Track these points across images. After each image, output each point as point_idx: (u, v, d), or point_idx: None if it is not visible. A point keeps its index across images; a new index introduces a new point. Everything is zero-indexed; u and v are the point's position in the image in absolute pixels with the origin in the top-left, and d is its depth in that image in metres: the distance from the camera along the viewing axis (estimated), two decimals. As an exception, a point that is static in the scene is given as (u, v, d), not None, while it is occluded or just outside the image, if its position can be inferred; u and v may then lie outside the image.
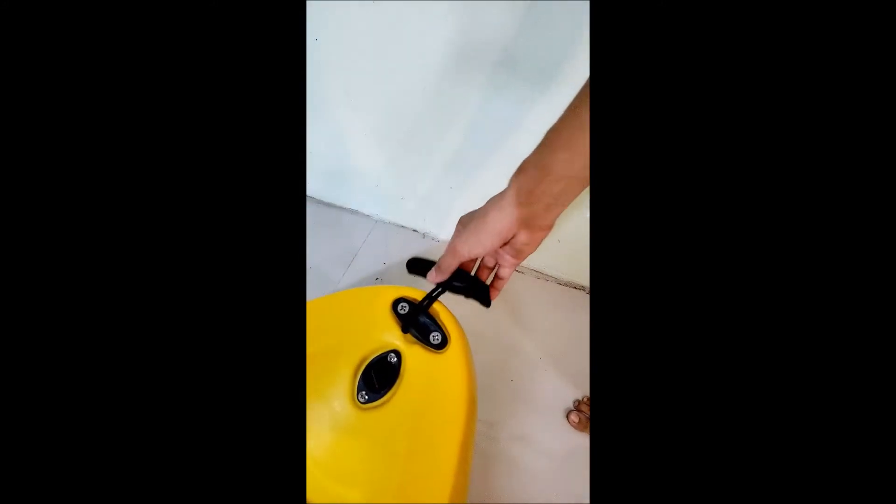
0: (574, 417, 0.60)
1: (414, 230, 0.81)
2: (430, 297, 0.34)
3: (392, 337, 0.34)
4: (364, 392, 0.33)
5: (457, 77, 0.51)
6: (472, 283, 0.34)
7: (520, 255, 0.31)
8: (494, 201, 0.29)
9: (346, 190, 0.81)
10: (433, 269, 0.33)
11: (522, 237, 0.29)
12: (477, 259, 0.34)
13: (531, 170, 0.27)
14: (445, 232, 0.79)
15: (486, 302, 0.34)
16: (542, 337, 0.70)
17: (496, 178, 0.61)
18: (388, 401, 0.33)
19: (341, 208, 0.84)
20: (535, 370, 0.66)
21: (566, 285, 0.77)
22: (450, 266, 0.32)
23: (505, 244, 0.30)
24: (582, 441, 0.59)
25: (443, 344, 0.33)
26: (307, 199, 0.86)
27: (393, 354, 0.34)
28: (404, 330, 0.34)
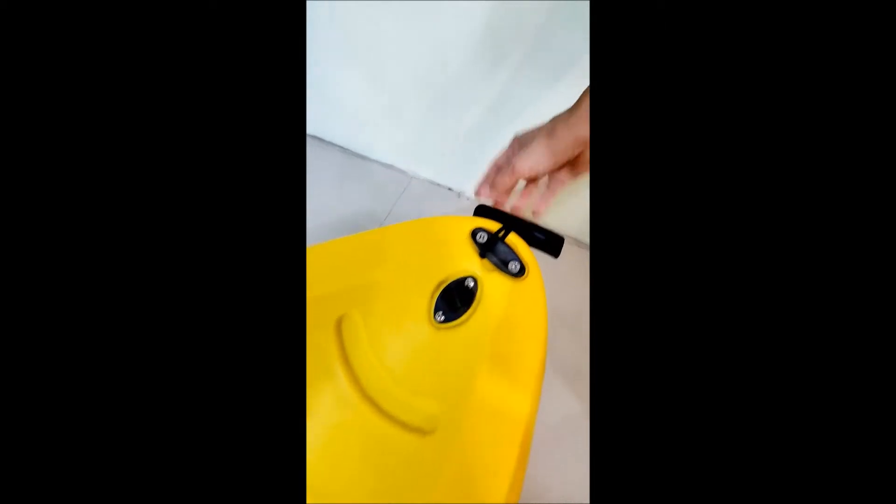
0: None
1: (449, 188, 0.81)
2: (507, 229, 0.35)
3: (470, 264, 0.35)
4: (441, 312, 0.34)
5: (511, 9, 0.50)
6: (550, 235, 0.36)
7: (578, 174, 0.31)
8: (561, 119, 0.29)
9: (381, 142, 0.80)
10: (483, 182, 0.34)
11: (587, 155, 0.29)
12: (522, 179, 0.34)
13: None
14: (480, 193, 0.80)
15: (556, 252, 0.36)
16: (561, 302, 0.71)
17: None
18: (465, 321, 0.34)
19: (376, 161, 0.84)
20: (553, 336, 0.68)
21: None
22: (505, 185, 0.32)
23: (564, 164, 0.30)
24: (581, 409, 0.61)
25: (521, 272, 0.34)
26: (339, 149, 0.85)
27: (470, 280, 0.35)
28: (482, 255, 0.35)
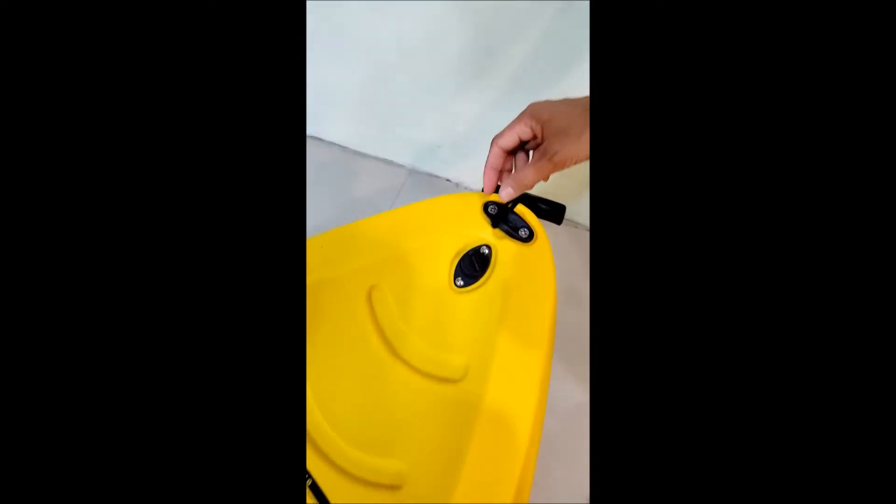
0: None
1: (447, 179, 0.85)
2: (515, 201, 0.39)
3: (484, 233, 0.39)
4: (460, 278, 0.38)
5: (511, 8, 0.54)
6: (552, 204, 0.40)
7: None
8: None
9: (380, 138, 0.84)
10: (512, 179, 0.33)
11: None
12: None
13: None
14: (477, 180, 0.84)
15: (559, 220, 0.40)
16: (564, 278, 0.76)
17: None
18: (482, 284, 0.38)
19: (376, 158, 0.87)
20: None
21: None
22: (539, 179, 0.30)
23: None
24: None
25: (531, 237, 0.38)
26: (339, 148, 0.88)
27: (485, 247, 0.39)
28: (494, 226, 0.39)
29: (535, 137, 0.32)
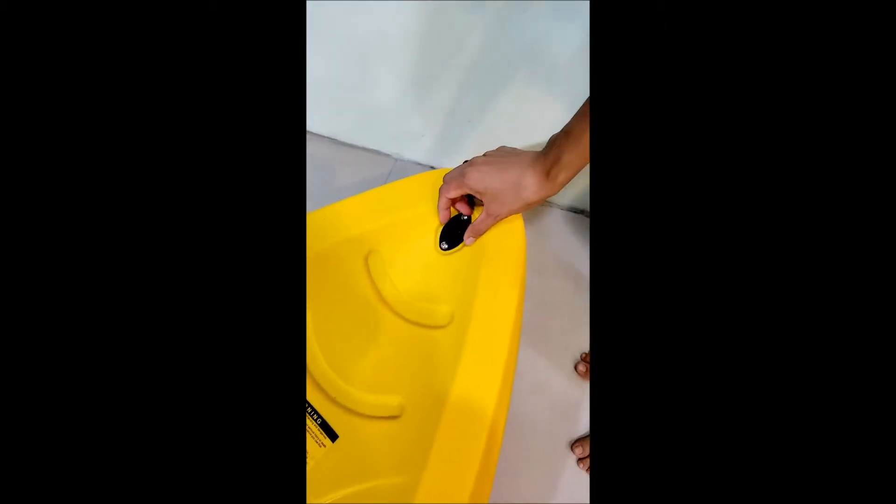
0: (582, 368, 0.62)
1: (431, 167, 0.91)
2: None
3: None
4: (444, 242, 0.45)
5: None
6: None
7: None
8: (534, 174, 0.37)
9: (365, 129, 0.89)
10: (471, 230, 0.44)
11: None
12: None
13: (555, 151, 0.36)
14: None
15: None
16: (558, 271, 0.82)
17: (512, 109, 0.72)
18: (463, 247, 0.45)
19: (363, 148, 0.93)
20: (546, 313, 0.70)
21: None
22: (487, 229, 0.43)
23: None
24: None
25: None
26: (328, 140, 0.93)
27: (464, 216, 0.45)
28: (471, 200, 0.46)
29: (472, 195, 0.44)
